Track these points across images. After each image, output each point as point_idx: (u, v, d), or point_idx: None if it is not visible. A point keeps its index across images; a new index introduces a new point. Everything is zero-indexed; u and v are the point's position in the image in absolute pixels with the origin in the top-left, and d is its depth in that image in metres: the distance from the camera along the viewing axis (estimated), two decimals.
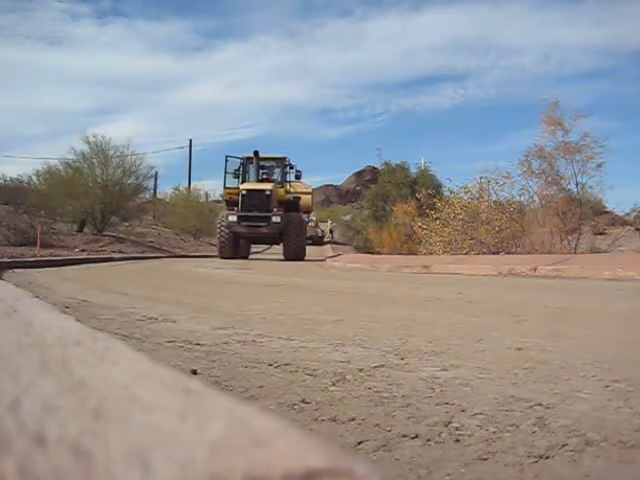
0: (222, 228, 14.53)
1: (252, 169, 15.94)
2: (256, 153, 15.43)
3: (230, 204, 14.93)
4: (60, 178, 20.57)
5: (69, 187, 19.49)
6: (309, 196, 17.44)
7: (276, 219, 14.08)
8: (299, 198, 15.91)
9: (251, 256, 16.90)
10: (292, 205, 15.25)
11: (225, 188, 15.74)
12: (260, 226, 14.14)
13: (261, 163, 15.78)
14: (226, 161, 16.02)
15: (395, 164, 19.35)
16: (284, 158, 16.22)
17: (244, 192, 14.26)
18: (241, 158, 16.13)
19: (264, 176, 15.44)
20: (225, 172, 15.88)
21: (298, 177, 15.78)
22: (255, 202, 14.19)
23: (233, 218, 14.04)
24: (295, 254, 14.25)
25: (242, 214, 14.14)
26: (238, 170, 15.99)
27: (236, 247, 14.65)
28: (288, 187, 15.54)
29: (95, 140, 20.85)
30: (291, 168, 15.85)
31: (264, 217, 14.11)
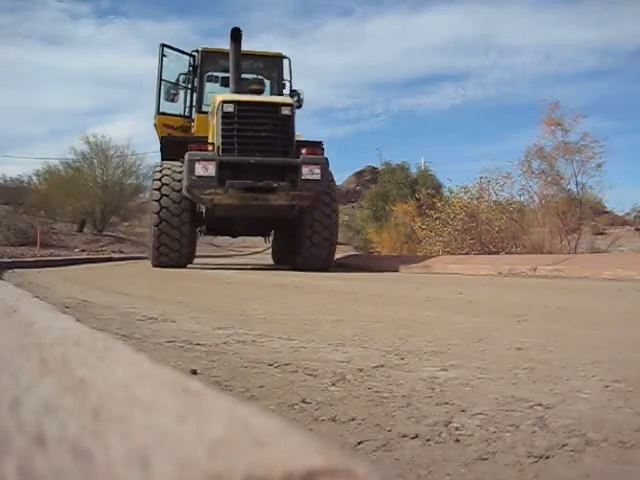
0: (166, 197, 6.99)
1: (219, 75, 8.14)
2: (236, 34, 7.11)
3: (169, 148, 7.60)
4: (60, 178, 20.65)
5: (69, 187, 19.56)
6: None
7: (311, 173, 6.66)
8: (320, 143, 7.31)
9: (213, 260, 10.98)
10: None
11: (159, 114, 8.19)
12: (271, 190, 6.63)
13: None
14: (162, 56, 8.08)
15: (395, 164, 19.35)
16: (280, 59, 8.60)
17: (230, 109, 6.69)
18: (192, 54, 8.36)
19: (253, 87, 7.35)
20: (159, 81, 8.08)
21: (297, 106, 7.98)
22: (259, 134, 6.67)
23: (207, 170, 6.46)
24: (322, 258, 7.35)
25: (230, 159, 6.56)
26: (187, 79, 8.39)
27: (192, 241, 7.79)
28: None
29: (95, 140, 20.94)
30: (283, 87, 8.50)
31: (283, 167, 6.67)
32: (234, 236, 11.28)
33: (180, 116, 8.46)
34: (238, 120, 6.79)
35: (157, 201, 7.14)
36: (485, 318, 2.47)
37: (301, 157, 6.84)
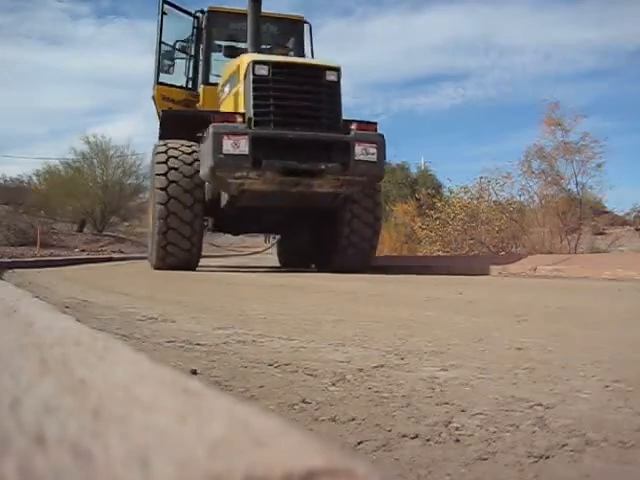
0: (174, 184, 5.82)
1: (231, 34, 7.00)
2: None
3: (171, 125, 6.38)
4: (60, 178, 20.69)
5: (69, 187, 19.58)
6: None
7: (365, 153, 5.50)
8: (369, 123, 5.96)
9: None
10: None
11: (158, 84, 7.15)
12: (317, 173, 5.47)
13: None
14: (162, 14, 6.97)
15: (395, 164, 19.35)
16: (301, 23, 7.41)
17: (263, 72, 5.48)
18: (196, 15, 7.24)
19: (279, 52, 6.59)
20: (159, 44, 7.05)
21: None
22: (300, 103, 5.53)
23: (238, 146, 5.20)
24: (362, 256, 6.45)
25: (267, 133, 5.39)
26: (188, 45, 7.29)
27: (200, 237, 6.29)
28: None
29: (95, 140, 20.96)
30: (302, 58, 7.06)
31: (330, 145, 5.54)
32: (236, 234, 9.74)
33: (182, 88, 7.21)
34: (274, 86, 5.50)
35: (163, 190, 5.77)
36: (485, 318, 2.47)
37: (352, 133, 5.59)
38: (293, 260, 8.77)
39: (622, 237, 13.01)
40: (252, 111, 5.47)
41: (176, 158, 5.99)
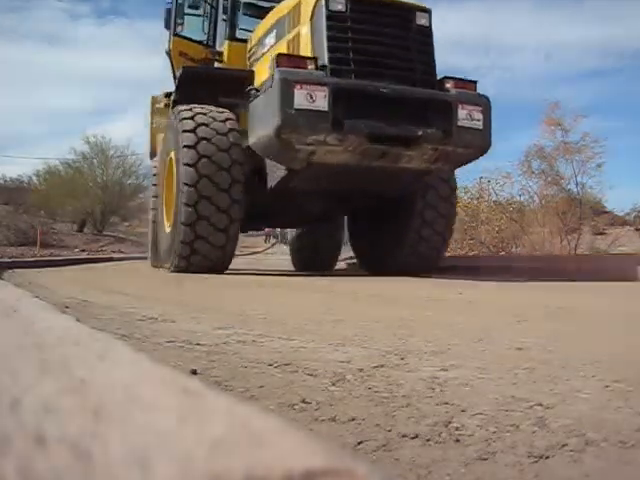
0: (206, 141, 4.64)
1: None
2: None
3: (192, 86, 5.28)
4: (60, 178, 20.71)
5: (69, 187, 19.60)
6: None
7: (470, 118, 4.34)
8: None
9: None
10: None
11: (174, 36, 6.30)
12: (413, 140, 4.26)
13: None
14: None
15: None
16: None
17: (339, 7, 4.23)
18: None
19: None
20: None
21: None
22: (387, 49, 4.38)
23: (314, 100, 3.87)
24: (432, 257, 5.55)
25: (351, 84, 4.15)
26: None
27: (237, 230, 5.22)
28: None
29: (95, 140, 20.98)
30: None
31: (426, 105, 4.37)
32: (245, 231, 7.44)
33: (201, 44, 6.16)
34: (353, 25, 4.28)
35: (192, 148, 4.58)
36: (485, 318, 2.47)
37: (453, 92, 4.43)
38: (313, 261, 7.63)
39: (622, 237, 13.02)
40: (327, 57, 4.21)
41: (207, 126, 4.76)
